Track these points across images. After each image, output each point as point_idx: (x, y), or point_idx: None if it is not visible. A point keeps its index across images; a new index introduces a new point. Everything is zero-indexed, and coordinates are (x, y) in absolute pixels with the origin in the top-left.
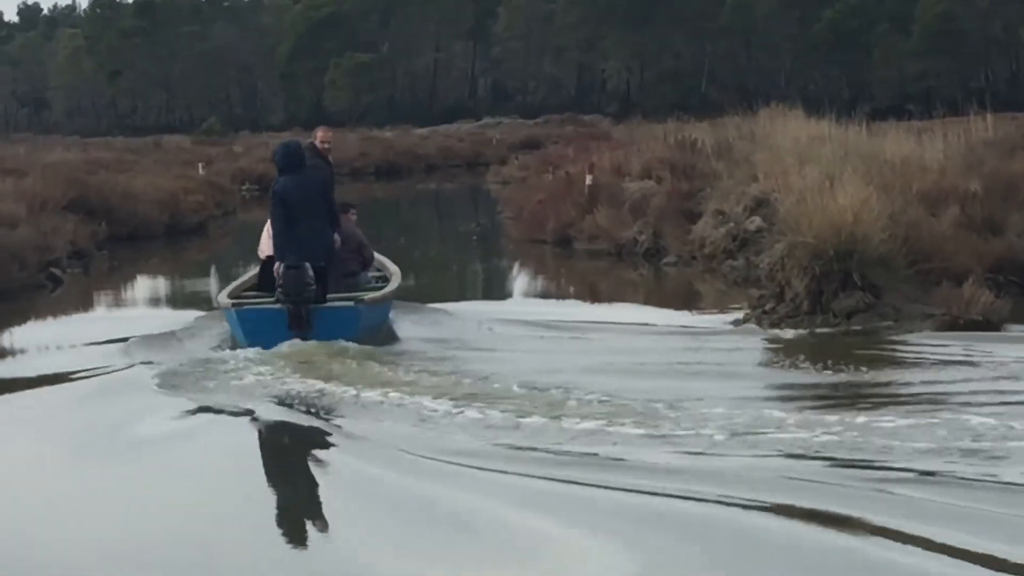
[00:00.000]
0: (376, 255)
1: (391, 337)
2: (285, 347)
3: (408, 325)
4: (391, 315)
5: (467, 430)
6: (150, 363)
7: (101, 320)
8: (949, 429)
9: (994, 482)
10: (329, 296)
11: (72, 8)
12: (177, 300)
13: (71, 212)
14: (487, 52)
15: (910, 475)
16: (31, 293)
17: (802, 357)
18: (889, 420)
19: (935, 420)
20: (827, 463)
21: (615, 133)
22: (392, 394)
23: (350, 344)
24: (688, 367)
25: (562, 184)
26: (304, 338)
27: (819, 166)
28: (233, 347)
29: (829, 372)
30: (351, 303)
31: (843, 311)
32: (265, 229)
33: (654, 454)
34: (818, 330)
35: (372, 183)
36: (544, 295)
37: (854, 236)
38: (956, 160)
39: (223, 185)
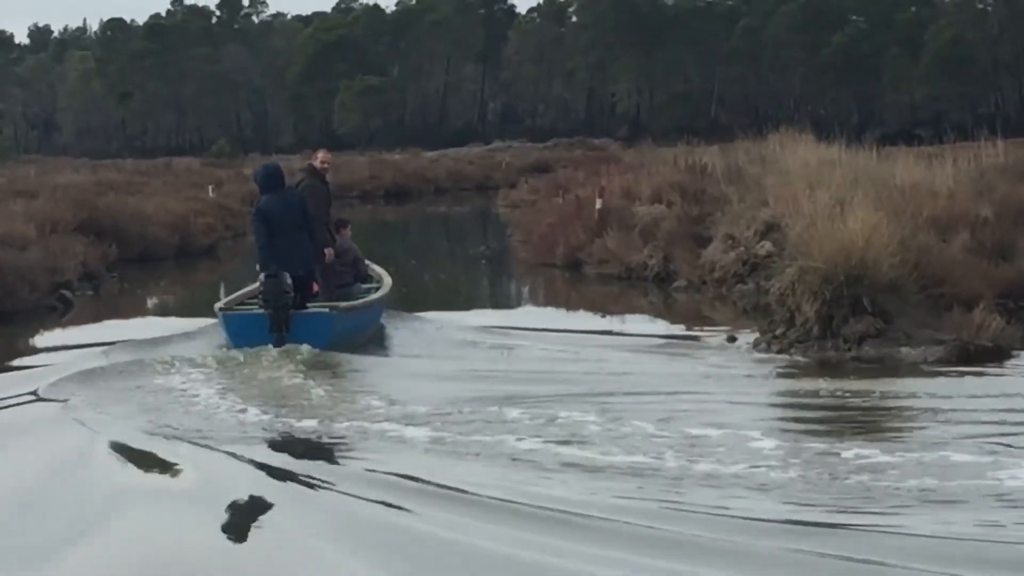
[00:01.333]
0: (372, 266)
1: (370, 345)
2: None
3: (399, 334)
4: (379, 322)
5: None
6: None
7: (110, 337)
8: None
9: (908, 534)
10: (313, 305)
11: (83, 30)
12: (186, 315)
13: (81, 234)
14: (497, 75)
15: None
16: (42, 315)
17: (808, 382)
18: (874, 456)
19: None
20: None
21: (625, 157)
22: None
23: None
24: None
25: (572, 208)
26: (281, 341)
27: (829, 191)
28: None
29: (831, 400)
30: (326, 310)
31: (853, 336)
32: None
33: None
34: (828, 355)
35: (382, 206)
36: (548, 317)
37: (864, 261)
38: (966, 185)
39: (233, 207)
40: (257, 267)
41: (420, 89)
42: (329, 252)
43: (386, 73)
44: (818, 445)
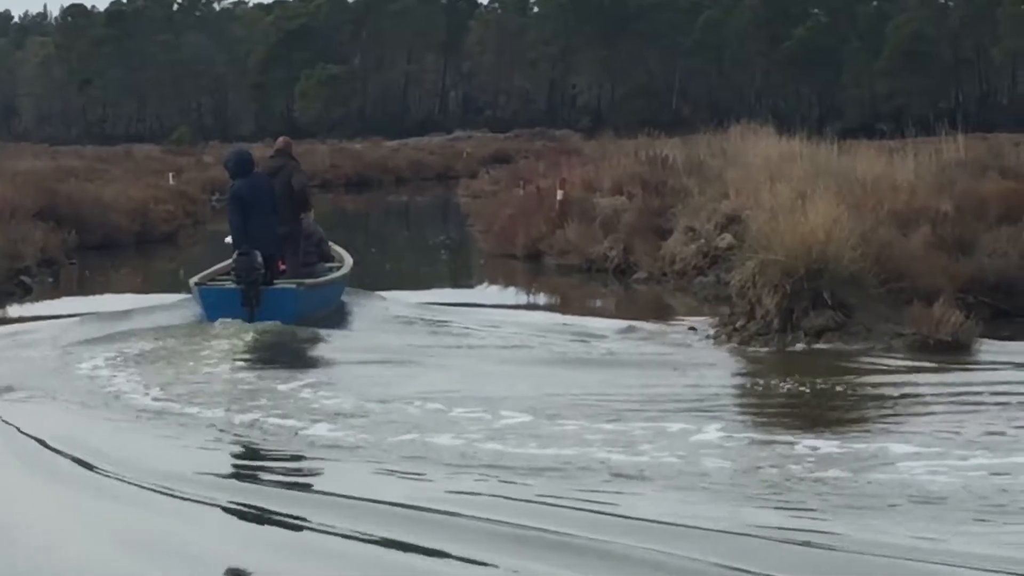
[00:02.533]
0: (334, 246)
1: (331, 318)
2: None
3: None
4: (345, 298)
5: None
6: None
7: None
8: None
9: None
10: (280, 281)
11: (43, 16)
12: (149, 296)
13: (41, 220)
14: (459, 65)
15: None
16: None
17: (766, 375)
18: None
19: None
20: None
21: (586, 148)
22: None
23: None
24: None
25: (533, 199)
26: (253, 315)
27: (790, 184)
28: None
29: (788, 393)
30: (293, 286)
31: (813, 330)
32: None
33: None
34: (788, 348)
35: (342, 195)
36: (504, 302)
37: (825, 255)
38: (927, 180)
39: (193, 195)
40: (230, 243)
41: (382, 78)
42: (305, 227)
43: (347, 62)
44: (769, 438)
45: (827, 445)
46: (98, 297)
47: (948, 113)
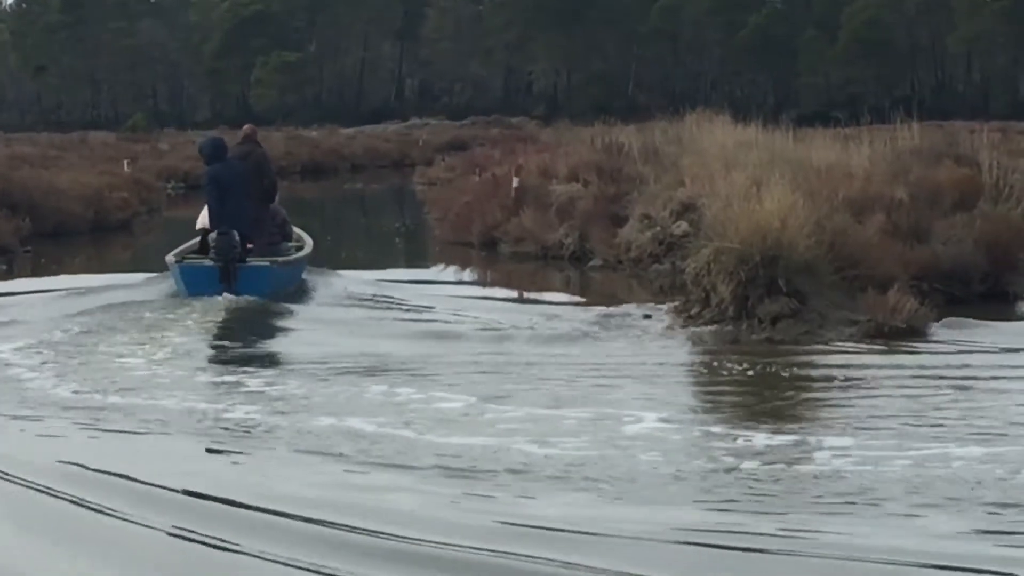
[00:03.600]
0: (296, 229)
1: (297, 294)
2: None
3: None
4: (305, 276)
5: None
6: None
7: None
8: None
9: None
10: (252, 259)
11: None
12: (121, 275)
13: None
14: (415, 53)
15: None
16: None
17: (720, 363)
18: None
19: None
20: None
21: (542, 135)
22: None
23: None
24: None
25: (488, 186)
26: (231, 290)
27: (745, 172)
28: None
29: (736, 381)
30: (267, 263)
31: (768, 317)
32: (204, 208)
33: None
34: (742, 336)
35: (297, 182)
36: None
37: (780, 242)
38: (882, 167)
39: (148, 182)
40: (203, 225)
41: (337, 66)
42: (275, 211)
43: (303, 49)
44: (709, 429)
45: (766, 437)
46: (65, 277)
47: (904, 101)
